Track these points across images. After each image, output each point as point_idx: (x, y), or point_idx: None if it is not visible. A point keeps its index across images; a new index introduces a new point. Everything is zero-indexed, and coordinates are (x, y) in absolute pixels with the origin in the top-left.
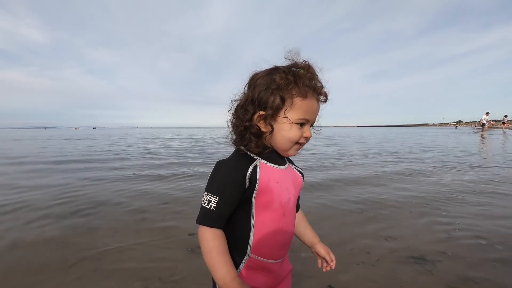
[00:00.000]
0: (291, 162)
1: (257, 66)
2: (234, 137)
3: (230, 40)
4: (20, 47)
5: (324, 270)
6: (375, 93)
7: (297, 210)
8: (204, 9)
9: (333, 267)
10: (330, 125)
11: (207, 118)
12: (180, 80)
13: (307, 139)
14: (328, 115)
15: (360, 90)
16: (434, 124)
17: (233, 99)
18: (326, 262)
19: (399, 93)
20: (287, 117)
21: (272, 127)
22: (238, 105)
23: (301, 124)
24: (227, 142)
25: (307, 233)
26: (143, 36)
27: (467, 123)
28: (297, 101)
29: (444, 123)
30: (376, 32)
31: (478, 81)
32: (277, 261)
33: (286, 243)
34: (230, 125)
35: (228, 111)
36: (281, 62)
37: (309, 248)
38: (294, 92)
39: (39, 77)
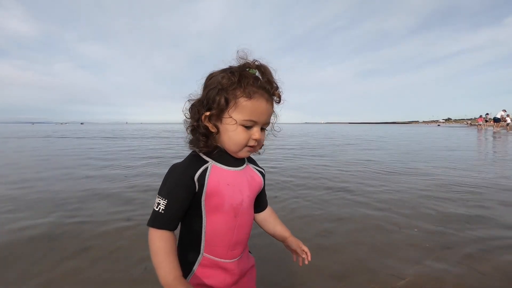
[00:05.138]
0: (253, 162)
1: (216, 67)
2: (190, 137)
3: (224, 37)
4: (7, 39)
5: (300, 264)
6: (366, 91)
7: (264, 208)
8: (198, 5)
9: (308, 258)
10: (322, 122)
11: None
12: (172, 76)
13: (257, 141)
14: (320, 112)
15: (352, 87)
16: (423, 122)
17: (189, 98)
18: (299, 255)
19: (390, 91)
20: (231, 117)
21: (218, 128)
22: (192, 105)
23: (249, 127)
24: (185, 142)
25: (277, 228)
26: (135, 30)
27: (455, 120)
28: (242, 101)
29: (433, 121)
30: (369, 31)
31: (467, 81)
32: (231, 260)
33: (239, 243)
34: (185, 125)
35: (182, 111)
36: (267, 62)
37: (282, 243)
38: (238, 93)
39: (26, 71)
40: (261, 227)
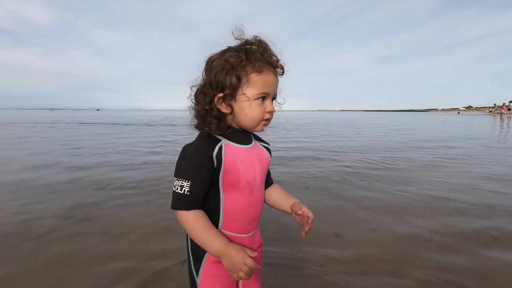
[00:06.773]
0: (259, 139)
1: (211, 50)
2: (196, 121)
3: (236, 23)
4: (26, 27)
5: (303, 232)
6: (383, 78)
7: (271, 184)
8: None
9: (309, 222)
10: (336, 109)
11: None
12: (186, 63)
13: (271, 113)
14: (334, 100)
15: (368, 74)
16: (443, 109)
17: (192, 85)
18: (303, 219)
19: (408, 77)
20: (245, 94)
21: (232, 107)
22: (197, 90)
23: (263, 99)
24: (190, 127)
25: (283, 198)
26: (148, 17)
27: (477, 108)
28: (253, 76)
29: (453, 108)
30: (386, 14)
31: (490, 67)
32: (247, 234)
33: (255, 217)
34: (191, 111)
35: (188, 97)
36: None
37: (290, 213)
38: (248, 69)
39: (45, 59)
40: (267, 202)
